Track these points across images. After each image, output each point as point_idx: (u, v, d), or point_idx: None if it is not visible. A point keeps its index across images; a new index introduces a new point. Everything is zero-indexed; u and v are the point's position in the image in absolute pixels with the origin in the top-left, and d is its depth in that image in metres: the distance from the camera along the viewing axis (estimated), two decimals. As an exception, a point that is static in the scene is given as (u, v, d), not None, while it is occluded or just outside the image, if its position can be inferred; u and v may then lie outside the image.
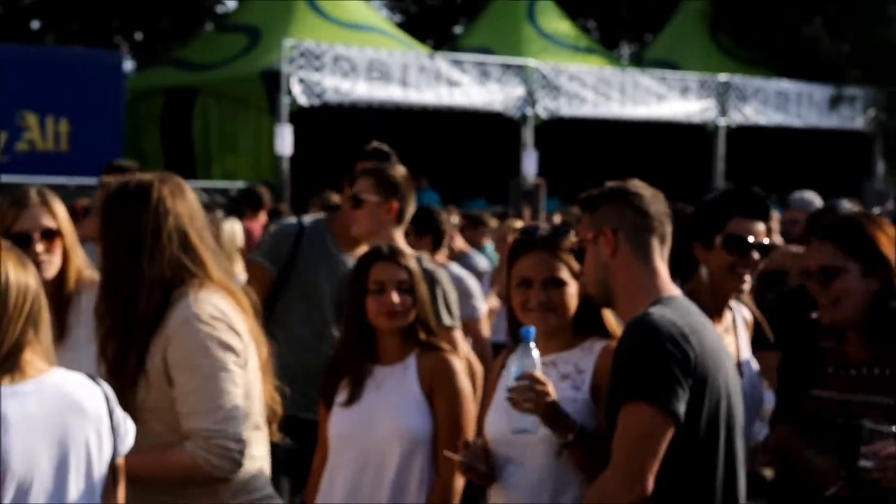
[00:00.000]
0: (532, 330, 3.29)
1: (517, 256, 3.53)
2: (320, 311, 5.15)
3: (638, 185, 3.21)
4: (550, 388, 3.20)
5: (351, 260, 4.77)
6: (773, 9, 21.03)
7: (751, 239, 3.66)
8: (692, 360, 2.93)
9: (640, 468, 2.87)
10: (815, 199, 8.09)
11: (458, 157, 20.38)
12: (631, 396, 2.92)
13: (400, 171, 4.85)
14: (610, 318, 3.48)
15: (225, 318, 3.15)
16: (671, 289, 3.13)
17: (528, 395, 3.17)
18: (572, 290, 3.46)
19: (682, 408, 2.90)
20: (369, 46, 16.20)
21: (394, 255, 3.92)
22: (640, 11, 27.91)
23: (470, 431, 3.79)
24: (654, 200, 3.18)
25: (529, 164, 17.61)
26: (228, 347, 3.14)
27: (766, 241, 3.70)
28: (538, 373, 3.21)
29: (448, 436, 3.74)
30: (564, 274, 3.45)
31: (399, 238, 4.76)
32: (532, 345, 3.26)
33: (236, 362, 3.16)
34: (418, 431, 3.79)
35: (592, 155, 19.92)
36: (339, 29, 16.85)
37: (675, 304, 3.06)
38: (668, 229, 3.18)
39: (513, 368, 3.25)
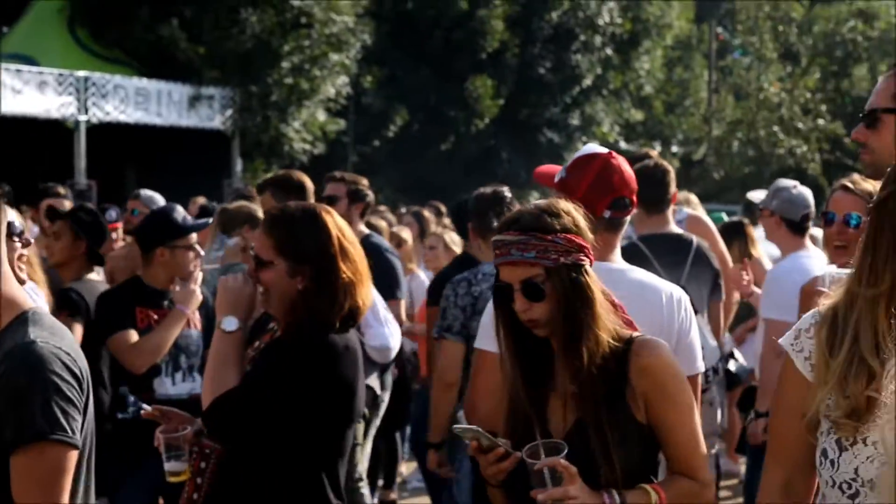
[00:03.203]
0: None
1: None
2: None
3: None
4: None
5: None
6: (129, 8, 21.12)
7: None
8: (82, 382, 2.83)
9: None
10: (157, 198, 8.28)
11: None
12: (35, 437, 2.71)
13: None
14: None
15: None
16: (28, 300, 2.93)
17: None
18: None
19: (80, 435, 2.81)
20: None
21: None
22: (-3, 2, 26.76)
23: None
24: None
25: None
26: None
27: None
28: None
29: None
30: None
31: None
32: None
33: None
34: None
35: (-56, 151, 18.80)
36: None
37: (46, 323, 2.87)
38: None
39: None
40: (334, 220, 3.53)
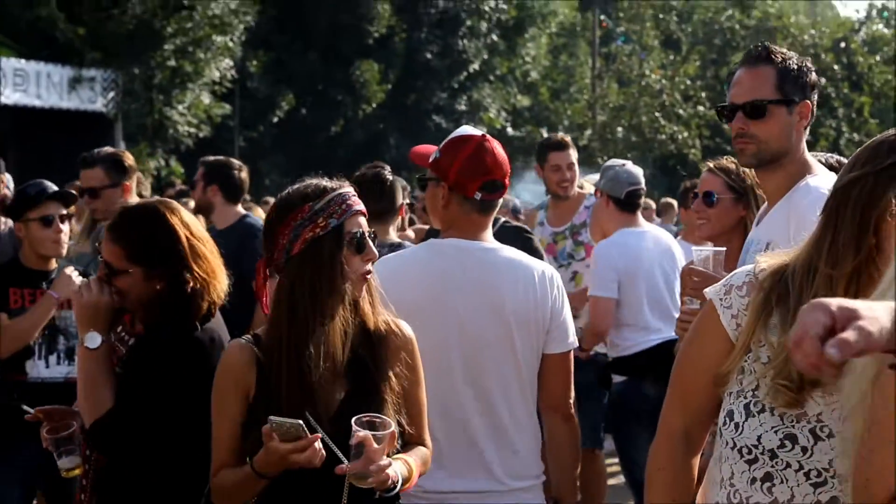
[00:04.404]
0: None
1: None
2: None
3: None
4: None
5: None
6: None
7: None
8: None
9: None
10: (7, 177, 8.05)
11: None
12: None
13: None
14: None
15: None
16: None
17: None
18: None
19: None
20: None
21: None
22: None
23: None
24: None
25: None
26: None
27: None
28: None
29: None
30: None
31: None
32: None
33: None
34: None
35: None
36: None
37: None
38: None
39: None
40: (180, 218, 3.46)
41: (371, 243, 3.01)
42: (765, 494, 2.34)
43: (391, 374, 3.00)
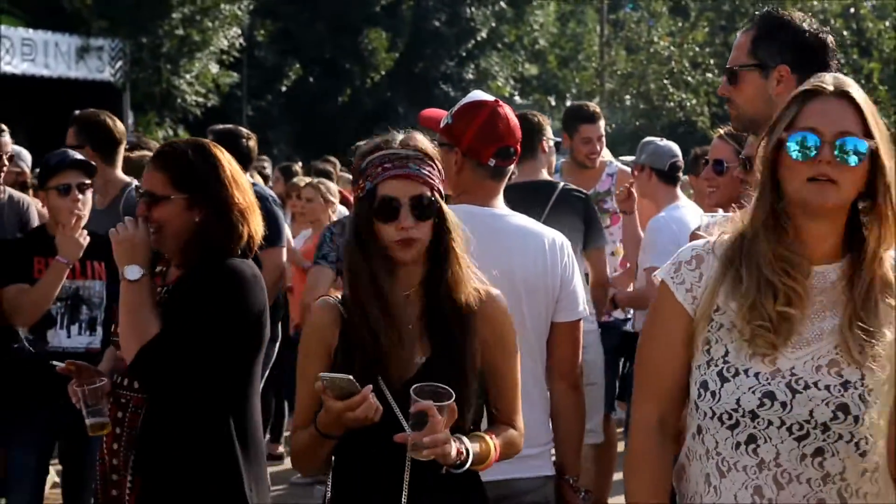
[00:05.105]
0: None
1: None
2: None
3: None
4: None
5: None
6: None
7: None
8: None
9: None
10: (24, 153, 8.03)
11: None
12: None
13: None
14: None
15: None
16: None
17: None
18: None
19: None
20: None
21: None
22: None
23: None
24: None
25: None
26: None
27: None
28: None
29: None
30: None
31: None
32: None
33: None
34: None
35: None
36: None
37: None
38: None
39: None
40: (222, 152, 3.57)
41: (405, 210, 2.81)
42: (751, 457, 2.38)
43: (476, 344, 2.88)
